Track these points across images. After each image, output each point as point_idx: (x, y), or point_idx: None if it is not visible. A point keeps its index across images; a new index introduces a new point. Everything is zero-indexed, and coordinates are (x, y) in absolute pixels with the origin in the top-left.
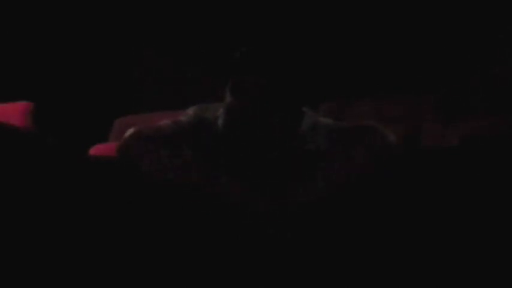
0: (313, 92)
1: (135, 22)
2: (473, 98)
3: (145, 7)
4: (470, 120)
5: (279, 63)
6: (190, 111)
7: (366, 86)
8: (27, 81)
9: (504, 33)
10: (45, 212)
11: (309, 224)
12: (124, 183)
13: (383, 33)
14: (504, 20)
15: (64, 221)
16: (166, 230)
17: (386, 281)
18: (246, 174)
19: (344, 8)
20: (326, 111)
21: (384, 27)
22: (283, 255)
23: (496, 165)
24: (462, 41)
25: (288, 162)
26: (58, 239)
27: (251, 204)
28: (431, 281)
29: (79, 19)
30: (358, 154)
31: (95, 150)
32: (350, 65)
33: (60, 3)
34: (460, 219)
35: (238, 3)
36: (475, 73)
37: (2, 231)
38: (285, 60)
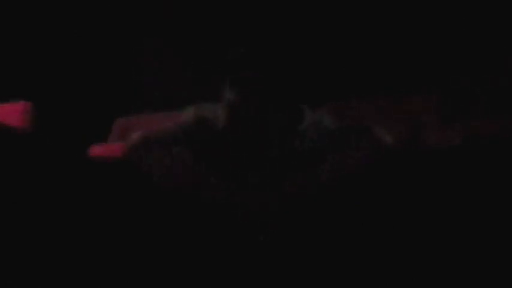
0: (314, 91)
1: (135, 22)
2: (474, 98)
3: (145, 7)
4: (471, 120)
5: (278, 61)
6: (190, 111)
7: (366, 85)
8: (27, 81)
9: (506, 33)
10: (45, 212)
11: (306, 223)
12: (125, 184)
13: (383, 33)
14: (506, 20)
15: (64, 221)
16: (167, 231)
17: (387, 282)
18: (245, 173)
19: (344, 7)
20: (326, 111)
21: (384, 27)
22: (279, 254)
23: (497, 166)
24: (463, 41)
25: (287, 160)
26: (58, 239)
27: (249, 203)
28: (432, 281)
29: (79, 19)
30: (355, 154)
31: (95, 150)
32: (350, 65)
33: (60, 2)
34: (460, 219)
35: (237, 2)
36: (477, 73)
37: (1, 231)
38: (284, 58)
